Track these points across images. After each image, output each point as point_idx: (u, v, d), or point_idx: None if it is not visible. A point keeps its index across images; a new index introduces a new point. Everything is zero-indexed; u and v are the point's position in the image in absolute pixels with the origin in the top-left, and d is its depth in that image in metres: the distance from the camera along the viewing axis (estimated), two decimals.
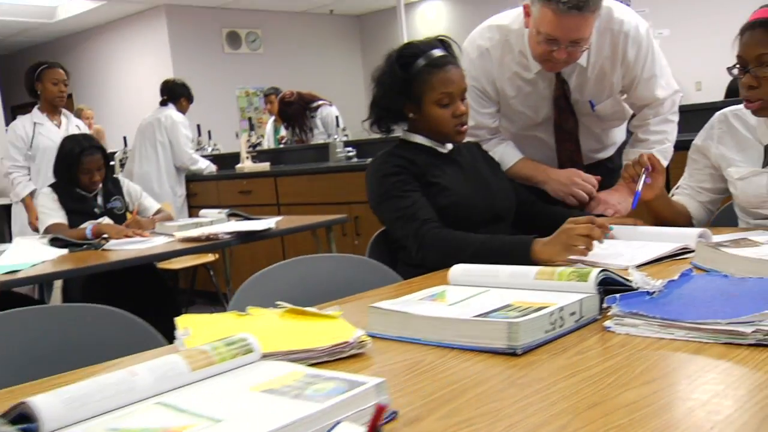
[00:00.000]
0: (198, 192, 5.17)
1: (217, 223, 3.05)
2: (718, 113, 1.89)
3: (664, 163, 2.14)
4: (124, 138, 5.79)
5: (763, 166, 1.75)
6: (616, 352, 0.95)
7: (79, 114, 5.66)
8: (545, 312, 1.00)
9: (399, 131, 1.92)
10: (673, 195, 1.97)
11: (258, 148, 5.78)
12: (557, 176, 2.10)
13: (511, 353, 0.95)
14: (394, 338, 1.08)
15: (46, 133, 4.05)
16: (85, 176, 3.18)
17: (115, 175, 3.44)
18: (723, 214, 1.97)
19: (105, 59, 9.62)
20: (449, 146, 1.88)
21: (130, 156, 5.06)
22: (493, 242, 1.60)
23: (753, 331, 0.90)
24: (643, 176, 1.73)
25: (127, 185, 3.43)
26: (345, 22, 10.60)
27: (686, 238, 1.51)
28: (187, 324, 1.13)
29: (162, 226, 3.04)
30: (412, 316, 1.06)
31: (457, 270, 1.30)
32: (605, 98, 2.09)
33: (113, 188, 3.33)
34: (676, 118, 2.16)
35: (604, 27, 1.97)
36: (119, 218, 3.22)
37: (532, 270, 1.20)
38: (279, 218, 3.10)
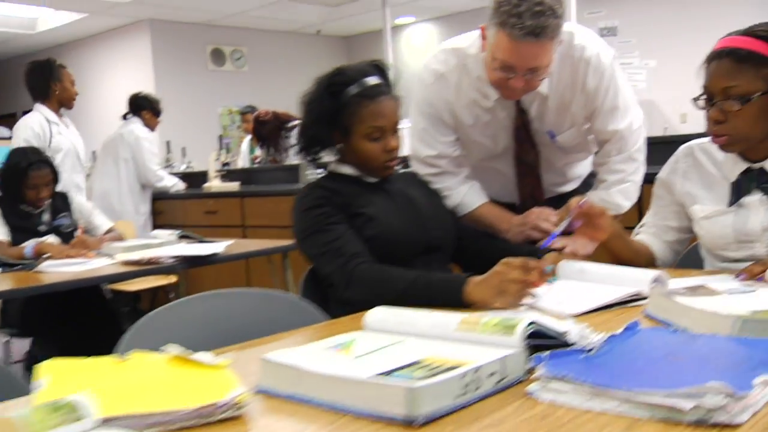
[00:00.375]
0: (163, 210, 5.00)
1: (167, 245, 2.89)
2: (683, 146, 1.76)
3: (626, 204, 2.00)
4: (93, 153, 5.63)
5: (730, 205, 1.61)
6: (533, 426, 0.80)
7: None
8: (455, 374, 0.85)
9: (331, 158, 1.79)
10: (637, 234, 1.83)
11: (229, 167, 5.62)
12: (516, 221, 1.94)
13: (409, 423, 0.80)
14: (286, 396, 0.92)
15: (65, 133, 3.86)
16: (31, 191, 3.02)
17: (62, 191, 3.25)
18: (689, 254, 1.83)
19: (86, 73, 9.44)
20: None
21: (92, 172, 4.89)
22: (425, 280, 1.46)
23: (693, 407, 0.75)
24: (568, 219, 1.59)
25: (77, 201, 3.27)
26: (332, 43, 10.51)
27: (639, 282, 1.37)
28: (49, 371, 0.97)
29: (108, 247, 2.87)
30: (303, 372, 0.91)
31: (374, 315, 1.15)
32: (567, 128, 1.95)
33: (61, 204, 3.16)
34: (641, 156, 2.02)
35: (565, 53, 1.84)
36: (67, 236, 3.06)
37: (454, 319, 1.04)
38: (230, 242, 2.93)
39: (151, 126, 4.83)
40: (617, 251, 1.69)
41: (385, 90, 1.70)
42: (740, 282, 1.42)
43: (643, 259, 1.72)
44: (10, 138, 4.15)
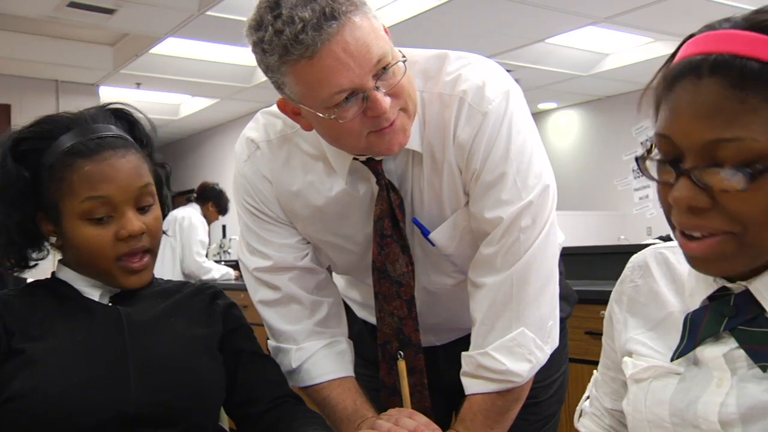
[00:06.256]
0: None
1: None
2: (648, 250, 0.90)
3: (517, 367, 1.13)
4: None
5: (676, 356, 0.75)
6: None
7: None
8: None
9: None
10: (581, 417, 0.99)
11: None
12: (369, 425, 1.12)
13: None
14: None
15: None
16: None
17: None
18: None
19: (221, 156, 9.60)
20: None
21: None
22: None
23: None
24: None
25: None
26: None
27: None
28: None
29: None
30: None
31: None
32: (449, 214, 1.16)
33: None
34: (542, 269, 1.13)
35: (433, 88, 1.12)
36: None
37: None
38: None
39: (209, 219, 4.51)
40: None
41: (118, 143, 1.07)
42: None
43: None
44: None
